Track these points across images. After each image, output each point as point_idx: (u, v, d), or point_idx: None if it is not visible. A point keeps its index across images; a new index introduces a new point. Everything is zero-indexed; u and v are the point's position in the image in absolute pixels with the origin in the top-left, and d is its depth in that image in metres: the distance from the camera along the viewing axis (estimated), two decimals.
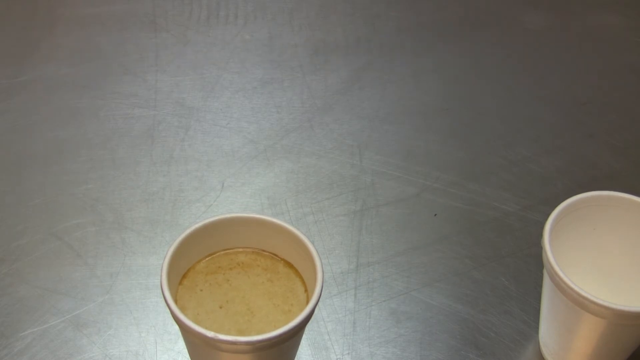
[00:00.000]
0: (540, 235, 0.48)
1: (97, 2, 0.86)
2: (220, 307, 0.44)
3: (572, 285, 0.45)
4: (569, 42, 0.86)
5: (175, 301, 0.43)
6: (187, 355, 0.51)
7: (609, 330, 0.46)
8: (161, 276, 0.43)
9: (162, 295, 0.42)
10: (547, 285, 0.48)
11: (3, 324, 0.54)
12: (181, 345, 0.53)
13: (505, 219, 0.64)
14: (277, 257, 0.47)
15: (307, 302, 0.43)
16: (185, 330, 0.41)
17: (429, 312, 0.56)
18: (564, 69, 0.81)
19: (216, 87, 0.76)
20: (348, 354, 0.53)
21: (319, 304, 0.44)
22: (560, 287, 0.46)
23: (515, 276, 0.59)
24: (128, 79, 0.76)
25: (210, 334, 0.40)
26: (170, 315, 0.42)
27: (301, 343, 0.48)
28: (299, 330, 0.42)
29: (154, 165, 0.67)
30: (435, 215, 0.64)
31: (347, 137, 0.71)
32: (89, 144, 0.69)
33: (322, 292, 0.43)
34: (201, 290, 0.45)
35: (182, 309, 0.42)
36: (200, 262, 0.47)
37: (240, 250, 0.48)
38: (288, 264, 0.47)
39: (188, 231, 0.45)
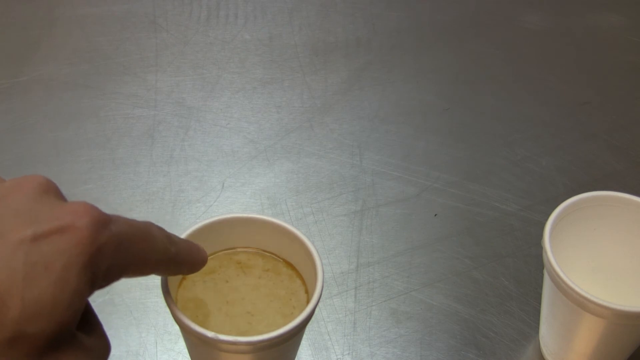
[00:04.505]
0: (540, 235, 0.48)
1: (97, 2, 0.86)
2: (220, 309, 0.44)
3: (572, 285, 0.45)
4: (569, 42, 0.86)
5: (176, 301, 0.43)
6: (188, 356, 0.51)
7: (609, 330, 0.46)
8: (161, 276, 0.43)
9: (162, 296, 0.42)
10: (547, 286, 0.48)
11: None
12: (181, 345, 0.53)
13: (505, 219, 0.64)
14: (278, 257, 0.47)
15: (308, 302, 0.43)
16: (185, 331, 0.41)
17: (429, 312, 0.56)
18: (564, 69, 0.81)
19: (216, 87, 0.76)
20: (348, 354, 0.53)
21: (320, 304, 0.44)
22: (561, 287, 0.46)
23: (515, 276, 0.59)
24: (128, 79, 0.76)
25: (210, 334, 0.39)
26: (170, 316, 0.42)
27: (302, 343, 0.48)
28: (299, 330, 0.42)
29: (154, 165, 0.67)
30: (435, 215, 0.64)
31: (347, 137, 0.71)
32: (89, 144, 0.69)
33: (323, 293, 0.43)
34: (201, 290, 0.45)
35: (183, 309, 0.42)
36: None
37: (240, 250, 0.47)
38: (288, 264, 0.47)
39: (188, 231, 0.45)
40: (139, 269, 0.33)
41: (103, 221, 0.30)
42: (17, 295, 0.27)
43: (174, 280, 0.44)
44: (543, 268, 0.48)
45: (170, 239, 0.35)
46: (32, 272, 0.27)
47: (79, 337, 0.30)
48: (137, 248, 0.32)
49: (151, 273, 0.34)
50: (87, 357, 0.30)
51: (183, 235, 0.45)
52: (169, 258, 0.35)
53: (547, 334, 0.52)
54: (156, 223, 0.63)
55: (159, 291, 0.42)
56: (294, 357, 0.48)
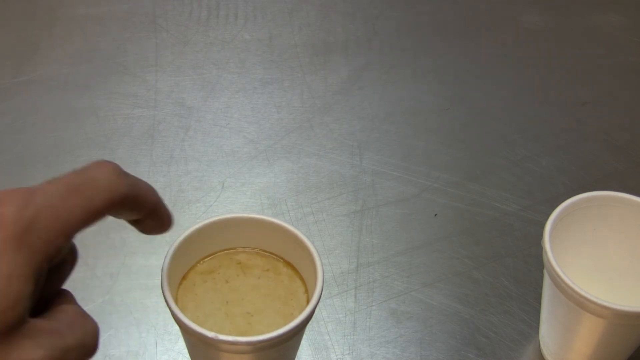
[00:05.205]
0: (540, 235, 0.48)
1: (97, 2, 0.86)
2: (220, 309, 0.44)
3: (572, 285, 0.45)
4: (569, 42, 0.86)
5: (176, 301, 0.43)
6: (188, 356, 0.51)
7: (609, 330, 0.46)
8: (161, 276, 0.43)
9: (162, 296, 0.42)
10: (547, 285, 0.48)
11: None
12: (181, 345, 0.53)
13: (505, 219, 0.64)
14: (277, 257, 0.47)
15: (307, 302, 0.43)
16: (185, 331, 0.41)
17: (429, 312, 0.56)
18: (564, 69, 0.81)
19: (216, 87, 0.76)
20: (348, 354, 0.53)
21: (320, 304, 0.44)
22: (561, 287, 0.46)
23: (515, 276, 0.59)
24: (128, 79, 0.76)
25: (210, 334, 0.39)
26: (170, 316, 0.42)
27: (302, 343, 0.48)
28: (299, 330, 0.42)
29: (154, 165, 0.67)
30: (435, 215, 0.64)
31: (347, 137, 0.71)
32: (89, 144, 0.69)
33: (323, 293, 0.43)
34: (201, 290, 0.45)
35: (183, 310, 0.42)
36: (200, 262, 0.47)
37: (240, 250, 0.47)
38: (288, 264, 0.47)
39: (188, 231, 0.45)
40: (87, 218, 0.31)
41: (24, 200, 0.29)
42: None
43: (174, 280, 0.44)
44: (543, 268, 0.48)
45: (125, 176, 0.35)
46: None
47: (34, 324, 0.29)
48: (74, 202, 0.31)
49: (105, 216, 0.33)
50: (45, 344, 0.28)
51: (183, 236, 0.45)
52: (119, 196, 0.34)
53: (547, 334, 0.52)
54: None
55: (159, 291, 0.42)
56: (294, 357, 0.48)
